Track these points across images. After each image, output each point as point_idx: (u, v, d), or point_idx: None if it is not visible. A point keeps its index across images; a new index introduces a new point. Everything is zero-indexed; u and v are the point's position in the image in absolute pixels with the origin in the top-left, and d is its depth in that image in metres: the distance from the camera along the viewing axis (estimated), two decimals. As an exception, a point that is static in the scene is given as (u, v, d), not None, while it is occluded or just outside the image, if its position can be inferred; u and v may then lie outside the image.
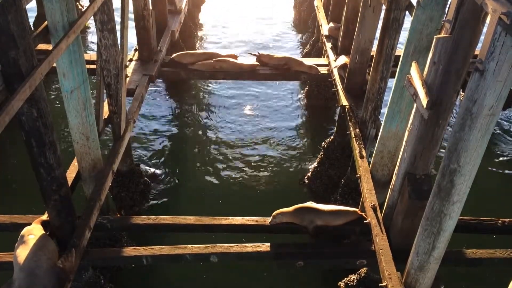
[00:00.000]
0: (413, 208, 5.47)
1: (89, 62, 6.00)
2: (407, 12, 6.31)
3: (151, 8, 9.71)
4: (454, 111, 10.11)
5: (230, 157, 10.78)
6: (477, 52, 4.95)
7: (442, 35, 4.66)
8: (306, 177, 9.99)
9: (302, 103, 13.22)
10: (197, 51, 12.40)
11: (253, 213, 6.90)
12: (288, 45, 17.24)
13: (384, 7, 6.85)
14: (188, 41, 14.14)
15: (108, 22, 6.23)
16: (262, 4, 21.03)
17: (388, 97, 6.40)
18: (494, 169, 10.62)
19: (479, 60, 3.64)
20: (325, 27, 11.43)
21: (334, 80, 9.38)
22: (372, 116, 7.50)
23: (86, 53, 8.43)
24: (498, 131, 11.96)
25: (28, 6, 6.23)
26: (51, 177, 5.16)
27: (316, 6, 13.44)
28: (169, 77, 10.93)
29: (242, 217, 6.38)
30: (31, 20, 14.48)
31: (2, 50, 4.13)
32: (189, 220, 6.32)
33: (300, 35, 17.98)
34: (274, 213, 6.24)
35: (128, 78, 8.79)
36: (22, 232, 5.31)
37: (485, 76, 3.57)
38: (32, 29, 12.47)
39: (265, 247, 6.02)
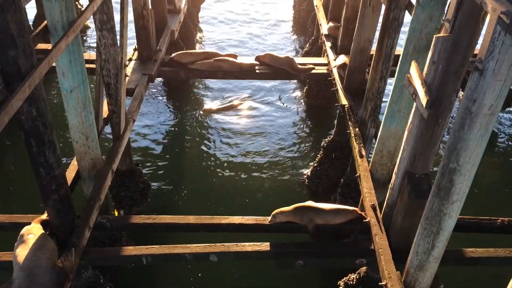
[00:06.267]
0: (412, 207, 5.47)
1: (88, 61, 6.00)
2: (406, 12, 6.31)
3: (150, 7, 9.70)
4: (454, 110, 10.12)
5: (229, 156, 10.78)
6: (476, 51, 4.94)
7: (441, 34, 4.66)
8: (305, 176, 10.00)
9: (301, 102, 13.22)
10: (197, 50, 12.40)
11: (253, 212, 6.91)
12: (288, 44, 17.25)
13: (383, 6, 6.85)
14: (188, 40, 14.13)
15: (108, 22, 6.22)
16: (262, 3, 21.03)
17: (387, 96, 6.40)
18: (493, 168, 10.63)
19: (478, 59, 3.64)
20: (325, 26, 11.43)
21: (334, 79, 9.38)
22: (372, 115, 7.50)
23: (86, 51, 8.43)
24: (498, 130, 11.96)
25: (27, 6, 6.23)
26: (51, 177, 5.15)
27: (316, 5, 13.44)
28: (169, 76, 10.92)
29: (241, 217, 6.38)
30: (31, 20, 14.47)
31: (2, 50, 4.12)
32: (188, 219, 6.32)
33: (299, 34, 17.97)
34: (273, 213, 6.25)
35: (127, 78, 8.79)
36: (22, 232, 5.30)
37: (485, 75, 3.57)
38: (32, 28, 12.44)
39: (265, 246, 6.02)
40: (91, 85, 7.85)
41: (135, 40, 9.71)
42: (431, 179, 5.37)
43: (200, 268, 7.84)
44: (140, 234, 8.17)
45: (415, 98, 4.94)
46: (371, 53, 7.95)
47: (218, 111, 12.51)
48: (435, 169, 7.87)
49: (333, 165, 9.39)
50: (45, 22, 5.31)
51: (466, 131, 3.91)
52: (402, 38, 5.80)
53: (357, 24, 8.41)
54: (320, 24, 11.96)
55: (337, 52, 10.16)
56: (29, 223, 5.59)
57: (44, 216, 5.78)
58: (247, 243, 6.05)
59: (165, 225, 6.32)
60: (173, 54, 10.07)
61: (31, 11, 14.77)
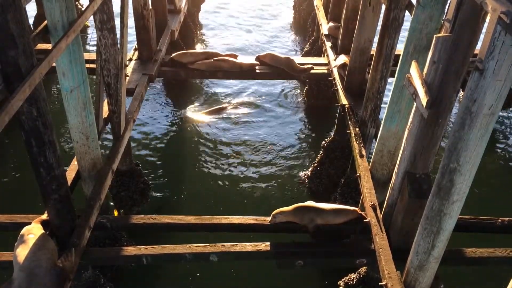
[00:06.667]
0: (412, 207, 5.47)
1: (88, 61, 6.00)
2: (406, 12, 6.31)
3: (150, 7, 9.71)
4: (454, 110, 10.11)
5: (230, 156, 10.78)
6: (476, 51, 4.94)
7: (441, 34, 4.66)
8: (306, 176, 9.99)
9: (301, 102, 13.22)
10: (197, 50, 12.40)
11: (253, 212, 6.90)
12: (288, 44, 17.25)
13: (383, 6, 6.85)
14: (188, 40, 14.13)
15: (108, 21, 6.22)
16: (262, 3, 21.03)
17: (388, 96, 6.40)
18: (493, 168, 10.63)
19: (478, 59, 3.64)
20: (325, 26, 11.43)
21: (334, 79, 9.38)
22: (372, 115, 7.50)
23: (86, 52, 8.43)
24: (498, 130, 11.96)
25: (27, 6, 6.24)
26: (51, 177, 5.15)
27: (316, 6, 13.44)
28: (169, 76, 10.94)
29: (242, 216, 6.38)
30: (31, 20, 14.47)
31: (2, 50, 4.12)
32: (188, 219, 6.32)
33: (299, 34, 17.97)
34: (273, 213, 6.25)
35: (127, 78, 8.79)
36: (22, 232, 5.31)
37: (485, 75, 3.57)
38: (32, 28, 12.44)
39: (265, 246, 6.02)
40: (92, 84, 7.85)
41: (135, 40, 9.71)
42: (431, 179, 5.37)
43: (201, 268, 7.84)
44: (140, 234, 8.17)
45: (415, 98, 4.94)
46: (371, 53, 7.95)
47: (209, 114, 12.42)
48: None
49: (333, 165, 9.38)
50: (45, 22, 5.31)
51: (466, 131, 3.91)
52: (403, 39, 5.79)
53: (357, 24, 8.41)
54: (320, 24, 11.96)
55: (337, 52, 10.16)
56: (29, 223, 5.59)
57: (44, 216, 5.78)
58: (247, 243, 6.05)
59: (165, 225, 6.32)
60: (173, 54, 10.07)
61: (31, 11, 14.77)
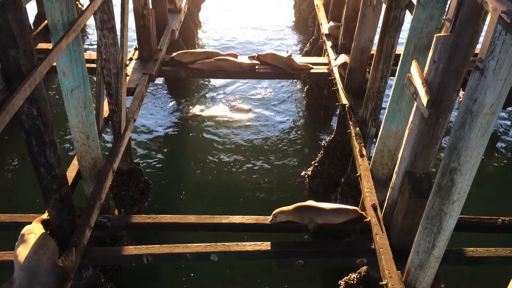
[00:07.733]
0: (413, 206, 5.47)
1: (89, 61, 6.00)
2: (407, 11, 6.31)
3: (151, 7, 9.71)
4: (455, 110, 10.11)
5: (230, 156, 10.78)
6: (477, 50, 4.94)
7: (442, 33, 4.66)
8: (306, 176, 9.99)
9: (302, 102, 13.22)
10: (197, 50, 12.39)
11: (254, 212, 6.90)
12: (288, 44, 17.24)
13: (384, 5, 6.85)
14: (188, 40, 14.14)
15: (108, 21, 6.22)
16: (262, 3, 21.03)
17: (388, 95, 6.40)
18: (494, 168, 10.62)
19: (479, 58, 3.64)
20: (325, 26, 11.43)
21: (334, 79, 9.38)
22: (372, 114, 7.50)
23: (86, 51, 8.43)
24: (498, 130, 11.96)
25: (28, 5, 6.25)
26: (52, 176, 5.16)
27: (316, 5, 13.44)
28: (169, 76, 10.92)
29: (242, 216, 6.38)
30: (31, 19, 14.48)
31: (2, 49, 4.13)
32: (189, 219, 6.32)
33: (300, 33, 17.97)
34: (274, 212, 6.25)
35: (128, 77, 8.79)
36: (23, 231, 5.32)
37: (485, 75, 3.57)
38: (32, 28, 12.46)
39: (265, 246, 6.02)
40: (92, 84, 7.84)
41: (136, 40, 9.71)
42: (431, 179, 5.37)
43: (201, 267, 7.84)
44: (141, 233, 8.17)
45: (415, 98, 4.94)
46: (372, 52, 7.95)
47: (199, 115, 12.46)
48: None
49: (333, 164, 9.38)
50: (46, 21, 5.32)
51: (466, 131, 3.91)
52: (403, 38, 5.79)
53: (357, 24, 8.41)
54: (321, 24, 11.96)
55: (337, 51, 10.16)
56: (30, 223, 5.60)
57: (45, 216, 5.79)
58: (247, 243, 6.05)
59: (165, 225, 6.33)
60: (174, 54, 10.07)
61: (31, 10, 14.79)
